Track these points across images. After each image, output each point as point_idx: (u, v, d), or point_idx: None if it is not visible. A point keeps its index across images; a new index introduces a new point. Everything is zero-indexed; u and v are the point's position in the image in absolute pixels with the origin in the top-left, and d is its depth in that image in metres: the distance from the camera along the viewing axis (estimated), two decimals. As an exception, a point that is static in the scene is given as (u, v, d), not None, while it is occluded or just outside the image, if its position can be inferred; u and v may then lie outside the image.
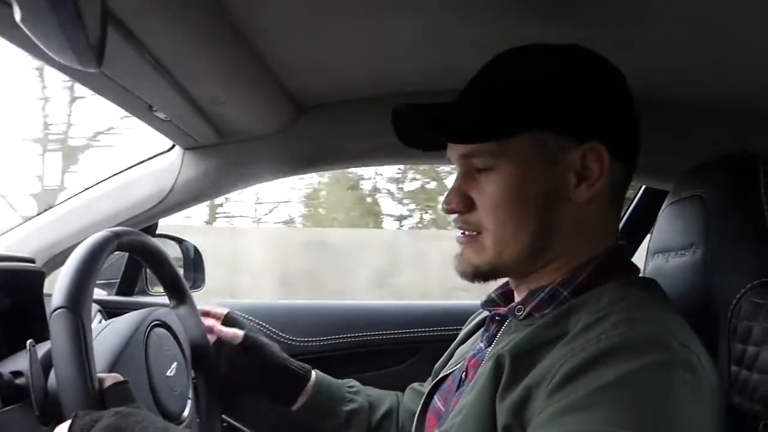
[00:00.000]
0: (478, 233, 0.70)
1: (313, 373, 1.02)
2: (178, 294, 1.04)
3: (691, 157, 0.84)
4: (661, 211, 0.85)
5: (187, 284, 1.06)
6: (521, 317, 0.70)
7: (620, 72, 0.70)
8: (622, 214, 1.54)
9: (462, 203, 0.70)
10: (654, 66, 0.95)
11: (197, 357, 0.99)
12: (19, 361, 0.75)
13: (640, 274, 0.74)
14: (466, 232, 0.71)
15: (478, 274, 0.71)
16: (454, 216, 0.72)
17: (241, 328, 1.02)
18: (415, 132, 0.75)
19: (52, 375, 0.70)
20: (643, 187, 1.49)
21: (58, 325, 0.68)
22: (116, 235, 0.83)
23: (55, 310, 0.68)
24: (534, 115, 0.66)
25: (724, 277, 0.68)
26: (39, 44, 0.50)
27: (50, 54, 0.49)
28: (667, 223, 0.82)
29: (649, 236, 0.91)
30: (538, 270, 0.70)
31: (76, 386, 0.66)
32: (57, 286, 0.71)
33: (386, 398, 1.05)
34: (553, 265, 0.70)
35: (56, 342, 0.68)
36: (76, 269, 0.73)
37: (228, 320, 1.05)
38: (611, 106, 0.69)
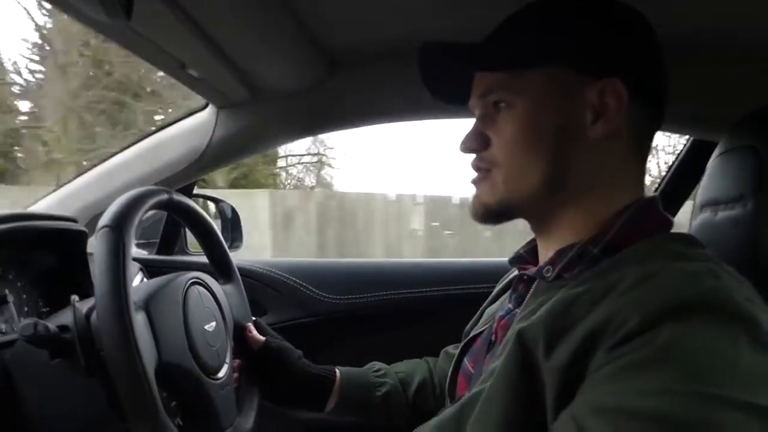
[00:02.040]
0: (491, 170, 0.69)
1: (337, 371, 1.00)
2: (227, 272, 1.05)
3: (742, 106, 0.80)
4: (709, 162, 0.81)
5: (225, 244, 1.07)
6: (550, 279, 0.67)
7: (642, 15, 0.68)
8: (669, 167, 1.49)
9: (478, 141, 0.70)
10: (701, 8, 0.90)
11: (240, 336, 0.99)
12: (65, 317, 0.77)
13: (687, 229, 0.71)
14: (480, 171, 0.71)
15: (488, 214, 0.71)
16: (472, 158, 0.72)
17: (264, 335, 1.02)
18: (440, 77, 0.76)
19: (94, 322, 0.73)
20: (691, 139, 1.44)
21: (100, 241, 0.71)
22: (167, 192, 0.86)
23: (101, 228, 0.72)
24: (550, 49, 0.66)
25: None
26: (66, -4, 0.50)
27: (77, 5, 0.49)
28: (716, 175, 0.79)
29: (696, 189, 0.87)
30: (558, 218, 0.69)
31: (110, 294, 0.68)
32: (105, 212, 0.74)
33: (416, 370, 1.04)
34: (575, 215, 0.67)
35: (97, 257, 0.71)
36: (125, 200, 0.76)
37: (255, 326, 1.04)
38: (630, 44, 0.67)
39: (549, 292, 0.65)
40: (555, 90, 0.66)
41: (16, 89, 10.07)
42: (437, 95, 0.80)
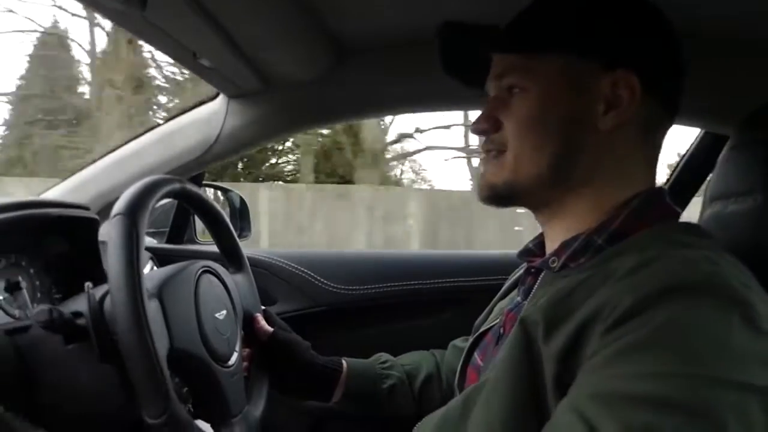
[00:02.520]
0: (502, 152, 0.70)
1: (344, 362, 1.01)
2: (237, 262, 1.05)
3: (754, 99, 0.79)
4: (720, 155, 0.81)
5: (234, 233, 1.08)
6: (556, 269, 0.68)
7: (660, 9, 0.68)
8: (679, 160, 1.48)
9: (489, 123, 0.71)
10: (714, 1, 0.89)
11: (249, 326, 1.00)
12: (79, 303, 0.78)
13: (696, 221, 0.71)
14: (491, 152, 0.72)
15: (495, 196, 0.71)
16: (483, 139, 0.73)
17: (273, 326, 1.02)
18: (457, 58, 0.78)
19: (108, 308, 0.73)
20: (702, 132, 1.43)
21: (114, 228, 0.72)
22: (180, 182, 0.87)
23: (114, 216, 0.73)
24: (564, 36, 0.66)
25: None
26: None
27: (95, -5, 0.49)
28: (727, 169, 0.78)
29: (706, 183, 0.87)
30: (564, 207, 0.69)
31: (124, 281, 0.69)
32: (119, 200, 0.75)
33: (422, 363, 1.04)
34: (580, 205, 0.68)
35: (111, 244, 0.72)
36: (138, 188, 0.77)
37: (264, 316, 1.04)
38: (647, 37, 0.67)
39: (555, 282, 0.66)
40: (569, 78, 0.66)
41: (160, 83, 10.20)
42: (454, 75, 0.80)
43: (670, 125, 0.72)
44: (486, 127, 0.72)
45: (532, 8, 0.71)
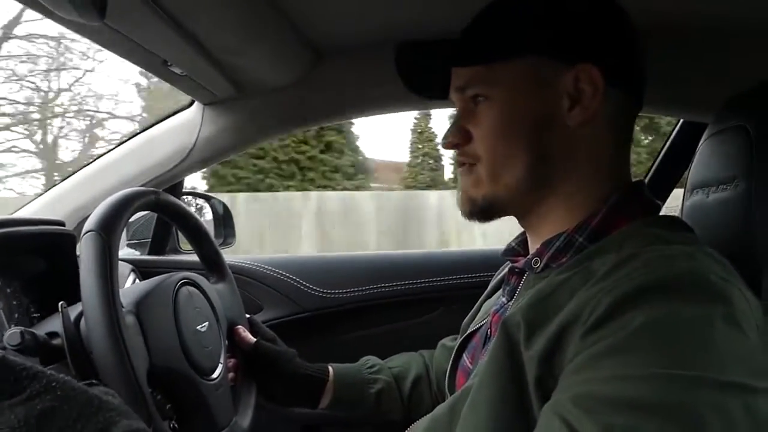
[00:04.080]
0: (475, 164, 0.69)
1: (330, 369, 0.99)
2: (218, 271, 1.04)
3: (731, 86, 0.79)
4: (700, 144, 0.81)
5: (217, 242, 1.06)
6: (538, 270, 0.67)
7: (615, 2, 0.68)
8: (659, 150, 1.48)
9: (459, 136, 0.70)
10: None
11: (233, 335, 0.98)
12: (54, 323, 0.76)
13: (678, 212, 0.71)
14: (464, 164, 0.71)
15: (476, 210, 0.70)
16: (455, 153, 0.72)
17: (257, 334, 1.00)
18: (419, 75, 0.77)
19: (83, 329, 0.71)
20: (681, 121, 1.43)
21: (86, 246, 0.70)
22: (154, 193, 0.85)
23: (86, 233, 0.71)
24: (521, 39, 0.66)
25: None
26: (37, -3, 0.48)
27: (49, 7, 0.48)
28: (707, 157, 0.78)
29: (687, 172, 0.87)
30: (544, 209, 0.68)
31: (98, 300, 0.67)
32: (90, 216, 0.73)
33: (411, 365, 1.03)
34: (560, 205, 0.67)
35: (83, 261, 0.70)
36: (110, 203, 0.75)
37: (249, 325, 1.03)
38: (603, 29, 0.66)
39: (538, 283, 0.65)
40: (530, 79, 0.65)
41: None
42: (419, 93, 0.80)
43: (636, 115, 0.71)
44: (456, 141, 0.70)
45: (485, 15, 0.70)
